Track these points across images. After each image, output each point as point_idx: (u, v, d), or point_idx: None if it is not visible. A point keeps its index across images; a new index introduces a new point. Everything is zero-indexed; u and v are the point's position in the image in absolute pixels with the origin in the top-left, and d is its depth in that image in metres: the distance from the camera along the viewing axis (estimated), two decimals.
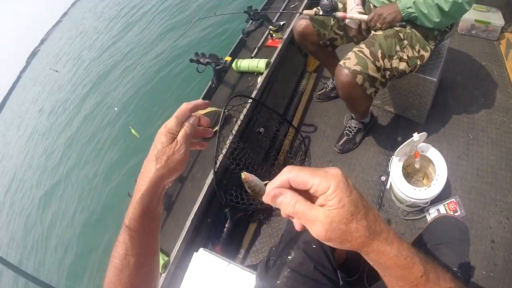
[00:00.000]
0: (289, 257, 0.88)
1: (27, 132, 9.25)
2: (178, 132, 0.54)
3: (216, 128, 1.60)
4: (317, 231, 0.37)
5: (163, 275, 1.35)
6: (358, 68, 1.31)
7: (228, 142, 1.61)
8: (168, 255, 1.41)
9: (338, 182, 0.37)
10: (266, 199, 0.41)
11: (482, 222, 1.50)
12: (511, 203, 1.53)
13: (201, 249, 1.26)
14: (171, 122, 0.53)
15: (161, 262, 1.37)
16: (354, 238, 0.37)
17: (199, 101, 0.57)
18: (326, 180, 0.37)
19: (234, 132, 1.63)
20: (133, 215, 0.52)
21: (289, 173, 0.39)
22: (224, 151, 1.59)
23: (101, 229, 3.50)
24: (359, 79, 1.32)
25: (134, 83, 5.63)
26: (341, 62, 1.35)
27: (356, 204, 0.37)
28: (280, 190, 0.40)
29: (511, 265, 1.37)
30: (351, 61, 1.32)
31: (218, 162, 1.54)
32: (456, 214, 1.52)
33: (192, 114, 0.57)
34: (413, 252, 0.40)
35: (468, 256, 0.82)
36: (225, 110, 1.59)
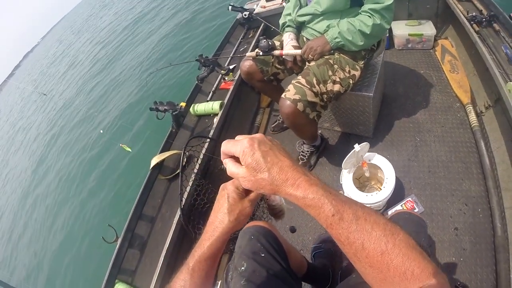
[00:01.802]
0: (242, 268, 0.92)
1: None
2: (243, 189, 0.62)
3: (179, 170, 1.72)
4: (241, 182, 0.51)
5: None
6: (297, 96, 1.45)
7: (191, 180, 1.70)
8: None
9: (243, 148, 0.49)
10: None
11: (442, 214, 1.55)
12: (467, 189, 1.59)
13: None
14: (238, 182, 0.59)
15: None
16: (263, 186, 0.49)
17: None
18: (239, 147, 0.50)
19: (196, 171, 1.74)
20: (199, 257, 0.60)
21: (222, 147, 0.54)
22: (188, 189, 1.68)
23: None
24: (300, 106, 1.46)
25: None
26: (282, 95, 1.50)
27: (257, 161, 0.48)
28: (223, 156, 0.54)
29: (479, 246, 1.41)
30: (290, 92, 1.48)
31: (184, 200, 1.63)
32: (414, 211, 1.56)
33: None
34: (323, 194, 0.46)
35: (425, 245, 0.85)
36: (185, 152, 1.71)
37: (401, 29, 2.44)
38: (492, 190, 1.53)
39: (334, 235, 0.47)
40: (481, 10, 1.99)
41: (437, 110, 1.97)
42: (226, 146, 0.53)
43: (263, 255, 0.95)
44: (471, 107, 1.88)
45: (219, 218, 0.60)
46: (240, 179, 0.51)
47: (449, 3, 2.21)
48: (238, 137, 0.54)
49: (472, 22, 1.95)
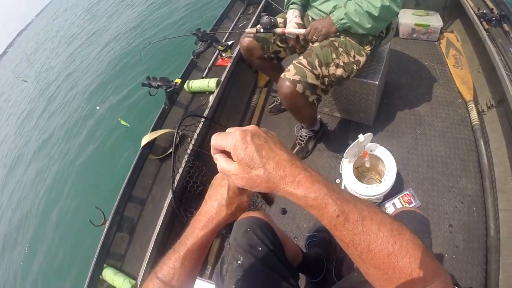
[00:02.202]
0: (239, 262, 0.89)
1: None
2: None
3: (171, 150, 1.63)
4: (234, 181, 0.46)
5: None
6: (297, 77, 1.38)
7: (183, 161, 1.62)
8: (135, 278, 1.39)
9: (235, 141, 0.44)
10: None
11: (438, 210, 1.55)
12: (464, 187, 1.59)
13: None
14: None
15: (129, 286, 1.34)
16: (258, 183, 0.44)
17: None
18: (230, 141, 0.45)
19: (189, 151, 1.65)
20: (192, 246, 0.56)
21: (212, 141, 0.49)
22: (180, 171, 1.60)
23: None
24: (299, 87, 1.39)
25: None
26: (282, 75, 1.42)
27: (251, 156, 0.43)
28: (213, 151, 0.49)
29: (471, 244, 1.42)
30: (290, 72, 1.40)
31: (176, 182, 1.55)
32: (411, 205, 1.56)
33: None
34: (326, 193, 0.41)
35: (429, 247, 0.84)
36: (179, 131, 1.62)
37: (408, 18, 2.36)
38: (488, 190, 1.53)
39: (337, 236, 0.43)
40: (492, 9, 1.95)
41: (439, 104, 1.94)
42: (216, 140, 0.48)
43: (260, 248, 0.92)
44: (473, 105, 1.85)
45: (216, 209, 0.57)
46: (232, 176, 0.46)
47: None
48: (229, 130, 0.48)
49: (481, 20, 1.90)
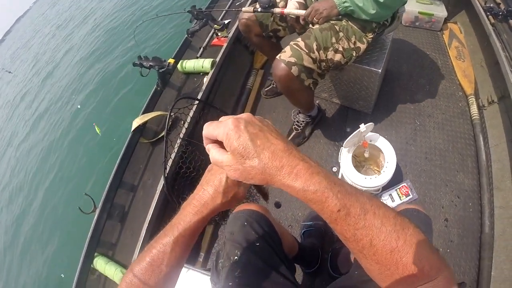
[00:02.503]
0: (235, 257, 0.86)
1: None
2: None
3: (163, 134, 1.55)
4: (227, 172, 0.43)
5: None
6: (292, 59, 1.32)
7: (176, 146, 1.55)
8: (126, 267, 1.35)
9: (227, 130, 0.42)
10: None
11: (434, 203, 1.54)
12: (461, 182, 1.58)
13: None
14: None
15: (121, 275, 1.30)
16: (253, 175, 0.41)
17: None
18: (222, 130, 0.42)
19: (181, 135, 1.58)
20: (184, 231, 0.54)
21: (204, 130, 0.46)
22: (173, 156, 1.54)
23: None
24: (294, 70, 1.32)
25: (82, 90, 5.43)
26: (277, 56, 1.35)
27: (245, 146, 0.40)
28: (205, 141, 0.47)
29: (466, 239, 1.42)
30: (286, 54, 1.34)
31: (168, 167, 1.49)
32: (408, 197, 1.54)
33: None
34: (326, 186, 0.39)
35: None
36: (171, 114, 1.53)
37: (411, 5, 2.29)
38: (485, 186, 1.53)
39: (338, 230, 0.41)
40: (499, 3, 1.89)
41: (439, 96, 1.91)
42: (208, 129, 0.45)
43: (257, 244, 0.89)
44: (473, 99, 1.82)
45: (211, 195, 0.55)
46: (225, 168, 0.43)
47: None
48: (222, 118, 0.46)
49: (488, 13, 1.85)
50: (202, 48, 2.00)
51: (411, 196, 1.54)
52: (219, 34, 1.97)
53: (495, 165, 1.54)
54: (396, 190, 1.56)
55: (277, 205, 1.61)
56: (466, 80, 1.91)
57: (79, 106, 4.88)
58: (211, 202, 0.55)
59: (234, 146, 0.41)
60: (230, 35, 1.99)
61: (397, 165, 1.63)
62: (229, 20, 2.06)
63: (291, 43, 1.36)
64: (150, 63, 1.67)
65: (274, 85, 2.11)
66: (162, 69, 1.67)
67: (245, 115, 0.45)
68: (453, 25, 2.26)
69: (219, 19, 2.11)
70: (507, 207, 1.39)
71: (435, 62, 2.09)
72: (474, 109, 1.78)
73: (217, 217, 1.69)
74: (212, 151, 0.45)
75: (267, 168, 0.40)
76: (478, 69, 1.93)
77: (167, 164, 1.46)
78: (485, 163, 1.59)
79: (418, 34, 2.29)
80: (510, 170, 1.46)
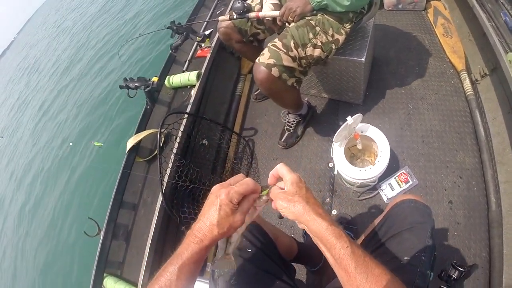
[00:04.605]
0: None
1: None
2: (238, 203, 0.62)
3: (156, 152, 1.57)
4: (288, 214, 0.62)
5: None
6: (271, 61, 1.31)
7: (170, 162, 1.57)
8: (135, 284, 1.37)
9: (298, 180, 0.63)
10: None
11: (436, 186, 1.51)
12: (462, 161, 1.54)
13: None
14: (234, 196, 0.60)
15: None
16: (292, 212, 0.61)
17: (257, 185, 0.67)
18: (293, 177, 0.63)
19: (175, 150, 1.60)
20: (187, 260, 0.59)
21: (279, 166, 0.66)
22: (168, 171, 1.55)
23: None
24: (275, 71, 1.32)
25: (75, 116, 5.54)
26: (256, 60, 1.35)
27: (306, 199, 0.61)
28: (271, 178, 0.69)
29: (473, 220, 1.39)
30: (264, 56, 1.33)
31: (165, 183, 1.50)
32: (408, 184, 1.51)
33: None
34: (342, 229, 0.58)
35: (431, 237, 0.81)
36: (162, 130, 1.55)
37: None
38: (487, 163, 1.48)
39: (331, 262, 0.59)
40: None
41: (430, 76, 1.87)
42: (283, 169, 0.65)
43: (249, 250, 0.90)
44: (465, 74, 1.78)
45: (208, 227, 0.60)
46: (288, 213, 0.62)
47: None
48: (283, 167, 0.66)
49: None
50: (187, 61, 2.02)
51: (411, 183, 1.51)
52: (202, 45, 1.99)
53: (495, 139, 1.50)
54: (395, 178, 1.54)
55: (280, 216, 1.60)
56: (455, 56, 1.86)
57: (71, 144, 4.97)
58: (209, 233, 0.59)
59: (302, 193, 0.61)
60: (213, 44, 2.00)
61: (394, 153, 1.62)
62: (211, 30, 2.08)
63: (269, 44, 1.36)
64: (135, 84, 1.69)
65: None
66: (148, 88, 1.70)
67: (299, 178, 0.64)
68: (437, 2, 2.22)
69: (201, 30, 2.12)
70: None
71: (422, 43, 2.05)
72: (467, 85, 1.73)
73: None
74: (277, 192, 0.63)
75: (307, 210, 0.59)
76: (466, 43, 1.88)
77: (163, 180, 1.48)
78: (485, 139, 1.54)
79: (402, 16, 2.26)
80: (510, 143, 1.42)
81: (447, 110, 1.71)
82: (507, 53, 1.43)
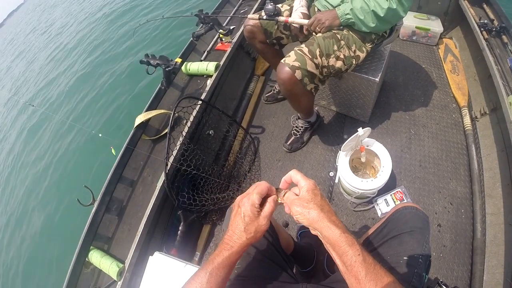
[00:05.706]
0: None
1: None
2: (259, 205, 0.67)
3: (166, 130, 1.58)
4: (303, 220, 0.64)
5: (119, 282, 1.27)
6: (297, 64, 1.36)
7: (178, 144, 1.58)
8: (122, 262, 1.34)
9: (313, 187, 0.66)
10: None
11: (427, 209, 1.58)
12: (454, 189, 1.63)
13: (156, 253, 1.21)
14: (254, 199, 0.66)
15: (116, 269, 1.28)
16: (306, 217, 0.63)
17: (272, 186, 0.71)
18: (308, 183, 0.66)
19: (184, 133, 1.61)
20: (218, 265, 0.64)
21: (293, 172, 0.69)
22: (174, 153, 1.56)
23: None
24: (298, 74, 1.37)
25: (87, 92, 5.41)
26: (282, 60, 1.40)
27: (321, 206, 0.63)
28: (283, 183, 0.72)
29: (458, 244, 1.46)
30: (290, 58, 1.38)
31: (169, 164, 1.50)
32: (402, 202, 1.57)
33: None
34: (354, 238, 0.60)
35: (428, 243, 0.85)
36: (175, 112, 1.56)
37: (409, 20, 2.39)
38: (477, 194, 1.57)
39: (334, 256, 0.62)
40: (493, 20, 1.99)
41: (434, 107, 1.97)
42: (297, 175, 0.68)
43: None
44: (466, 110, 1.89)
45: (237, 235, 0.66)
46: (302, 220, 0.64)
47: (462, 5, 2.20)
48: (296, 173, 0.69)
49: (482, 29, 1.94)
50: (206, 51, 2.05)
51: (405, 201, 1.58)
52: (223, 39, 2.03)
53: (487, 173, 1.60)
54: (391, 195, 1.60)
55: (286, 224, 1.64)
56: (459, 92, 1.98)
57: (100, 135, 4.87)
58: (238, 240, 0.65)
59: (317, 200, 0.63)
60: (234, 40, 2.04)
61: (392, 172, 1.67)
62: (233, 26, 2.12)
63: (295, 48, 1.41)
64: (157, 61, 1.69)
65: (275, 91, 2.16)
66: (169, 68, 1.70)
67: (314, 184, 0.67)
68: (449, 40, 2.36)
69: (224, 24, 2.17)
70: (498, 214, 1.43)
71: (430, 75, 2.17)
72: (467, 120, 1.84)
73: (214, 217, 1.71)
74: (296, 201, 0.65)
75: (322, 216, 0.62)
76: (471, 82, 2.00)
77: (168, 161, 1.49)
78: (477, 172, 1.64)
79: (415, 48, 2.38)
80: (500, 179, 1.51)
81: (446, 141, 1.81)
82: (509, 95, 1.53)
